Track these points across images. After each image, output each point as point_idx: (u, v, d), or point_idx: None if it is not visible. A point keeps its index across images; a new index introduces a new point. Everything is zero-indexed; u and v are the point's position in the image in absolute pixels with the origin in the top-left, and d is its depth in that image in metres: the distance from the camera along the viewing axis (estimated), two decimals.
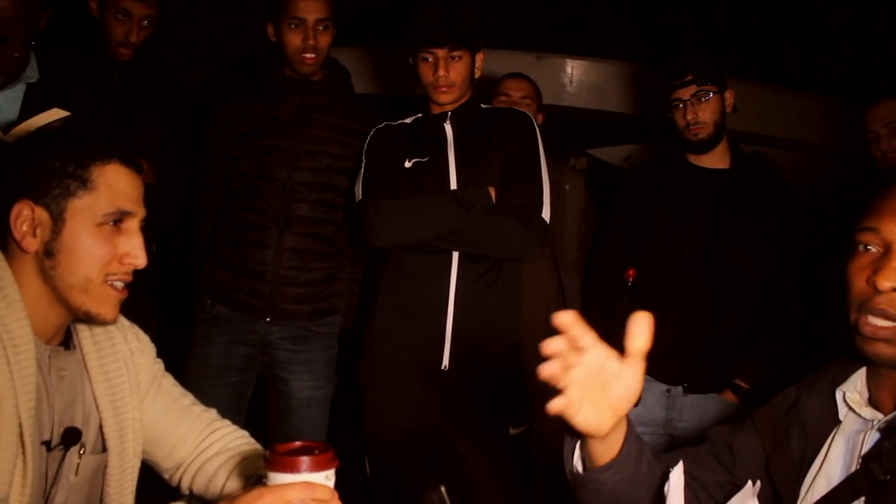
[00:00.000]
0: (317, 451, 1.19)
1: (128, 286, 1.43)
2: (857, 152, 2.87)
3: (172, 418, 1.60)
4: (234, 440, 1.62)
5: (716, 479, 1.46)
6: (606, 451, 1.25)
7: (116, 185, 1.37)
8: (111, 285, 1.39)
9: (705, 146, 2.65)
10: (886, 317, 1.26)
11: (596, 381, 1.14)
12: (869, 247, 1.31)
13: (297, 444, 1.22)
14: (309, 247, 2.67)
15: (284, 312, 2.66)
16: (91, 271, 1.36)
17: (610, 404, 1.16)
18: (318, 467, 1.17)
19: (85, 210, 1.35)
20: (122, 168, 1.39)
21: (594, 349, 1.13)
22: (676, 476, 1.15)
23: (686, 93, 2.62)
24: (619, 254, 2.79)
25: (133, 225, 1.40)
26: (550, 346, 1.12)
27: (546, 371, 1.12)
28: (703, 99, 2.60)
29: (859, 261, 1.31)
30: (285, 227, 2.63)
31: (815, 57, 4.17)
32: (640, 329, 1.13)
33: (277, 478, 1.17)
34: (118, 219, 1.38)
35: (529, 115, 2.59)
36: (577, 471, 1.31)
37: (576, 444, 1.30)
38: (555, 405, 1.13)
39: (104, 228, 1.37)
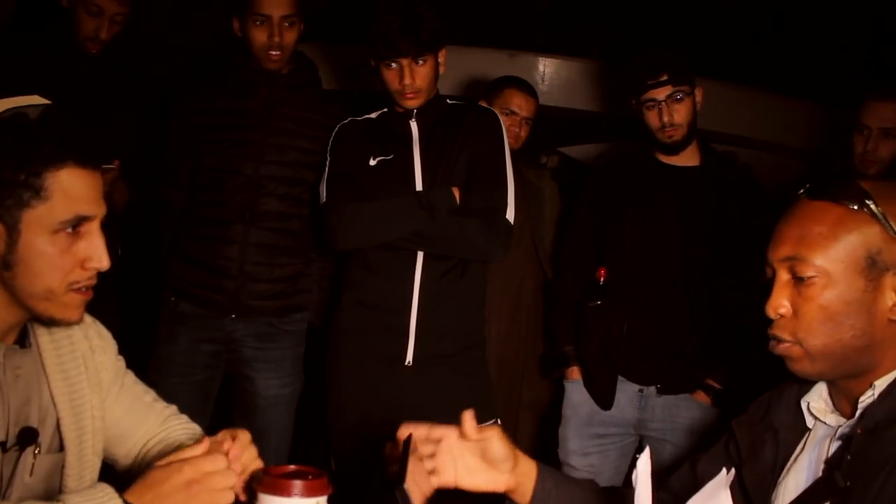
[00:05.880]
0: (310, 477, 1.16)
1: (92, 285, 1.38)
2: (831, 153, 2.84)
3: (135, 417, 1.57)
4: (175, 430, 1.59)
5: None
6: (521, 499, 1.45)
7: (72, 189, 1.29)
8: (75, 291, 1.33)
9: (679, 147, 2.59)
10: (781, 340, 1.32)
11: (463, 454, 1.39)
12: (767, 275, 1.36)
13: (292, 467, 1.20)
14: (275, 242, 2.63)
15: (250, 309, 2.62)
16: (52, 282, 1.30)
17: (490, 464, 1.39)
18: (310, 492, 1.15)
19: (40, 220, 1.28)
20: (78, 170, 1.31)
21: (447, 437, 1.40)
22: (643, 463, 1.14)
23: (661, 93, 2.51)
24: (588, 252, 2.74)
25: (93, 227, 1.33)
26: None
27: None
28: (678, 99, 2.52)
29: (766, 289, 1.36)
30: (251, 221, 2.60)
31: (788, 58, 4.20)
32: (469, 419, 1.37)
33: (267, 500, 1.15)
34: (76, 223, 1.31)
35: (496, 113, 2.56)
36: None
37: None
38: (437, 482, 1.37)
39: (62, 235, 1.30)
